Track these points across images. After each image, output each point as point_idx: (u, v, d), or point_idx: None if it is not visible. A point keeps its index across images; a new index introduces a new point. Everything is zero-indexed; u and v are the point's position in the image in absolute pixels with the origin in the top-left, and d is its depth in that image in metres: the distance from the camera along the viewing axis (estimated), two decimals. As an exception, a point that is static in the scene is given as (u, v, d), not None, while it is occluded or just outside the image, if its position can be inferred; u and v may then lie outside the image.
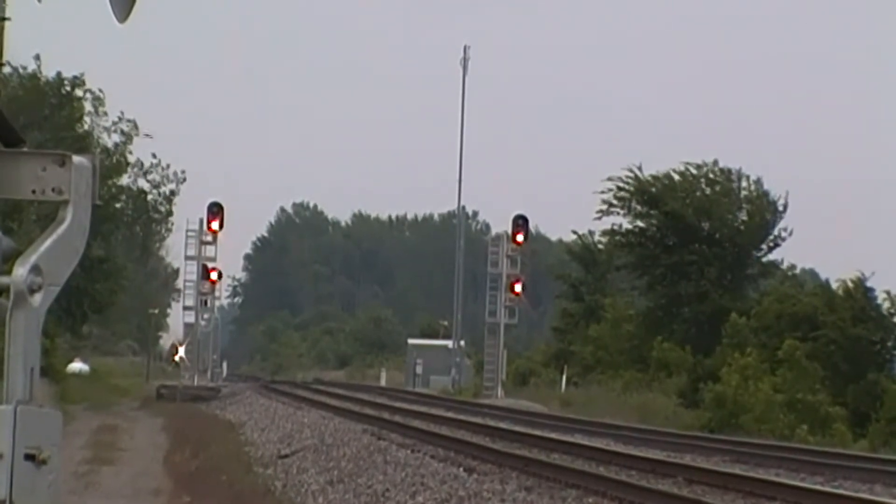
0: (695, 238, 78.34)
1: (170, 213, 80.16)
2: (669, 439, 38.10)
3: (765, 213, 79.45)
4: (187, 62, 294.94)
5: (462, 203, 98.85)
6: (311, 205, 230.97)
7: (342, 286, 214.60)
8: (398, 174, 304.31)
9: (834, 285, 70.26)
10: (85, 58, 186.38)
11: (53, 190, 5.17)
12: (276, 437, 36.41)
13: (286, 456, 30.91)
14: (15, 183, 5.20)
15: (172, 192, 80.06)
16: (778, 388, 58.59)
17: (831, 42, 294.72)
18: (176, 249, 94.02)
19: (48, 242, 5.08)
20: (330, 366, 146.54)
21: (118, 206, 77.30)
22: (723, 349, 67.53)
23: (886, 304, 65.68)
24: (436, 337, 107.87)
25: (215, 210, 74.50)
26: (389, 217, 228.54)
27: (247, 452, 32.47)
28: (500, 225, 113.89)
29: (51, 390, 51.19)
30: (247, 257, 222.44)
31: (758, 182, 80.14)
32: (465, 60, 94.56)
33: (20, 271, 4.98)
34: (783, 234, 79.63)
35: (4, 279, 5.00)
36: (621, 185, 79.82)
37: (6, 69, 5.65)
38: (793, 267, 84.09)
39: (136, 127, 77.68)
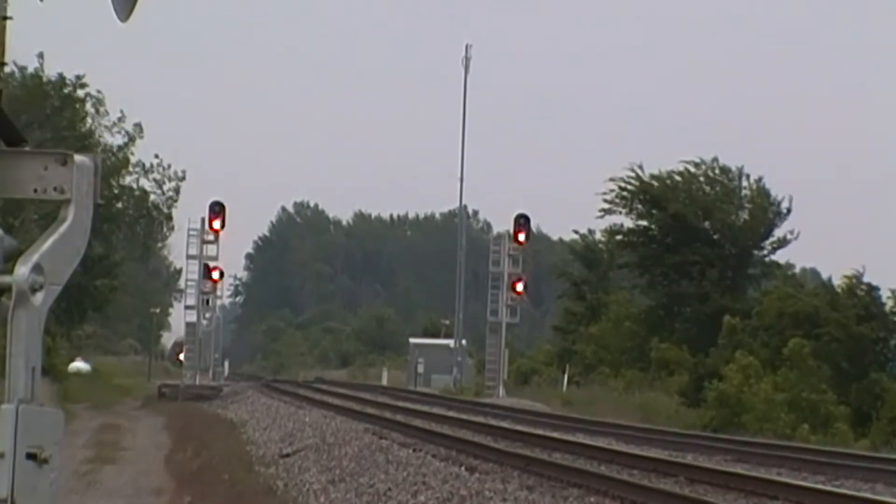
0: (696, 238, 78.33)
1: (170, 217, 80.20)
2: (671, 438, 38.06)
3: (766, 213, 79.41)
4: (189, 61, 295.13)
5: (463, 202, 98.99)
6: (313, 204, 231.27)
7: (344, 285, 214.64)
8: (399, 173, 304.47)
9: (836, 282, 70.25)
10: (86, 56, 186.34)
11: (55, 189, 5.16)
12: (278, 437, 36.37)
13: (288, 455, 30.88)
14: (17, 182, 5.19)
15: (174, 191, 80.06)
16: (779, 387, 58.56)
17: (831, 42, 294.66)
18: (178, 249, 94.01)
19: (50, 242, 5.07)
20: (331, 365, 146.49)
21: (119, 205, 77.33)
22: (719, 351, 67.59)
23: (890, 304, 65.70)
24: (437, 336, 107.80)
25: (217, 209, 74.43)
26: (391, 216, 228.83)
27: (248, 452, 32.43)
28: (502, 224, 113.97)
29: (52, 389, 51.18)
30: (248, 256, 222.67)
31: (759, 181, 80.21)
32: (466, 59, 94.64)
33: (22, 270, 4.97)
34: (789, 237, 79.69)
35: (6, 278, 4.99)
36: (623, 184, 79.92)
37: (8, 68, 5.65)
38: (791, 266, 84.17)
39: (140, 129, 77.78)
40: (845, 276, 67.38)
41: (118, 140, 77.55)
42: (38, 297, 4.99)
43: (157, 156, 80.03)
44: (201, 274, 76.10)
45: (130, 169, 78.88)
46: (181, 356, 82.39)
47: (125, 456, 33.43)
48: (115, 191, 76.65)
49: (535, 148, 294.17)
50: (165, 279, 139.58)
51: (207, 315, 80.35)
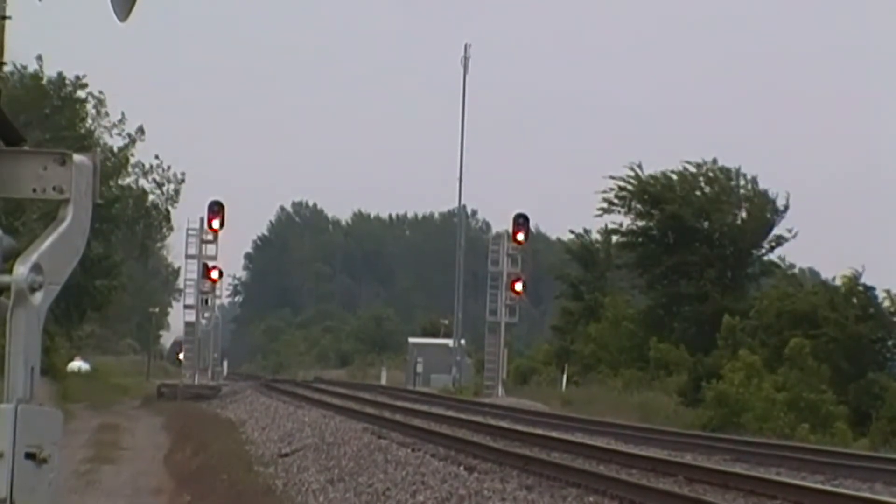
0: (695, 238, 78.32)
1: (168, 218, 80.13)
2: (670, 438, 38.07)
3: (764, 212, 79.40)
4: (188, 61, 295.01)
5: (462, 202, 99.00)
6: (312, 204, 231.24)
7: (343, 285, 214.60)
8: (398, 173, 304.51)
9: (837, 282, 70.20)
10: (85, 56, 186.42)
11: (54, 189, 5.16)
12: (277, 436, 36.38)
13: (287, 455, 30.89)
14: (16, 181, 5.20)
15: (175, 193, 79.96)
16: (779, 386, 58.55)
17: (831, 42, 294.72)
18: (177, 248, 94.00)
19: (49, 241, 5.07)
20: (331, 365, 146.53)
21: (118, 205, 77.25)
22: (719, 351, 67.58)
23: (887, 303, 65.70)
24: (436, 336, 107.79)
25: (216, 209, 74.41)
26: (390, 216, 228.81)
27: (247, 451, 32.43)
28: (501, 224, 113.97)
29: (51, 389, 51.21)
30: (247, 256, 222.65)
31: (754, 181, 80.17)
32: (465, 59, 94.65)
33: (21, 270, 4.97)
34: (786, 235, 79.68)
35: (5, 278, 4.99)
36: (622, 184, 79.91)
37: (7, 68, 5.65)
38: (791, 266, 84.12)
39: (142, 131, 77.72)
40: (844, 276, 67.41)
41: (118, 142, 77.57)
42: (37, 297, 4.99)
43: (157, 156, 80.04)
44: (200, 273, 76.07)
45: (129, 170, 78.85)
46: (180, 356, 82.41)
47: (124, 455, 33.43)
48: (116, 192, 76.58)
49: (534, 148, 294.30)
50: (164, 279, 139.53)
51: (206, 315, 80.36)
